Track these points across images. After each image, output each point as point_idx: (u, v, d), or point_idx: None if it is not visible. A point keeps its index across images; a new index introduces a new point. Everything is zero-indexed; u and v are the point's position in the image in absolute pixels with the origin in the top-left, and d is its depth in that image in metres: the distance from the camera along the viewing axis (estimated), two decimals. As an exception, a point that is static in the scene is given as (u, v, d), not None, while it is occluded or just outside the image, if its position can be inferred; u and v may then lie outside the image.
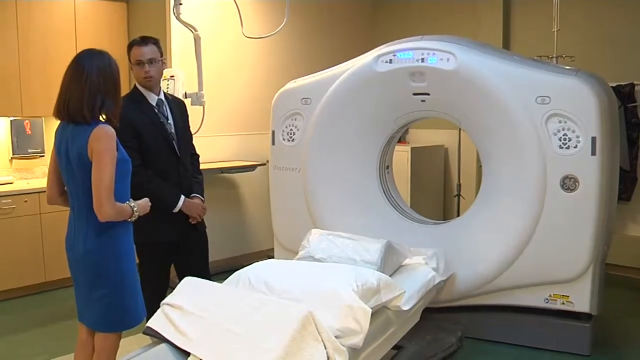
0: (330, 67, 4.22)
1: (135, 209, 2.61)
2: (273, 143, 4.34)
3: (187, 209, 3.36)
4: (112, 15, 5.38)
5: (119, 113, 2.61)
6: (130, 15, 5.47)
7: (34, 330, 4.31)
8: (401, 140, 6.20)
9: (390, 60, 3.89)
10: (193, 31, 4.43)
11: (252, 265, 2.99)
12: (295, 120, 4.24)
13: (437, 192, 6.41)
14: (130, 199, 2.63)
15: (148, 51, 3.28)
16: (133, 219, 2.62)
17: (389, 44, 4.01)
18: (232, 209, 5.59)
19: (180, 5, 4.37)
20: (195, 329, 2.43)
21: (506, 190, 3.74)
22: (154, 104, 3.33)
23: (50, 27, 5.08)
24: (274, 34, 4.51)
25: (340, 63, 4.19)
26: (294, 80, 4.33)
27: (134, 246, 2.72)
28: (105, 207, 2.46)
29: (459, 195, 6.03)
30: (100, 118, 2.55)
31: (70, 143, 2.55)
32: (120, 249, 2.63)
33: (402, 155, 5.73)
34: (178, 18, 4.39)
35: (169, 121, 3.35)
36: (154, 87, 3.34)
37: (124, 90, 2.78)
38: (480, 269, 3.79)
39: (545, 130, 3.58)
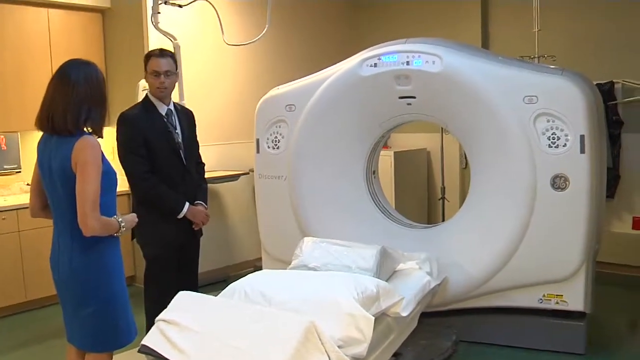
0: (315, 72, 4.17)
1: (122, 223, 2.54)
2: (258, 151, 4.28)
3: (192, 215, 3.50)
4: (87, 25, 5.30)
5: (104, 124, 2.57)
6: (106, 25, 5.40)
7: (18, 352, 4.18)
8: (384, 145, 6.18)
9: (375, 64, 3.86)
10: (172, 40, 4.40)
11: (246, 276, 2.94)
12: (280, 127, 4.19)
13: (421, 195, 6.40)
14: (118, 213, 2.56)
15: (165, 63, 3.44)
16: (120, 233, 2.56)
17: (373, 47, 3.98)
18: (217, 219, 5.49)
19: (159, 14, 4.34)
20: (193, 344, 2.37)
21: (496, 191, 3.72)
22: (164, 114, 3.46)
23: (24, 38, 4.97)
24: (255, 40, 4.47)
25: (325, 68, 4.13)
26: (277, 87, 4.28)
27: (122, 261, 2.65)
28: (90, 220, 2.39)
29: (443, 198, 6.02)
30: (86, 130, 2.50)
31: (53, 155, 2.49)
32: (108, 265, 2.56)
33: (385, 160, 5.70)
34: (157, 27, 4.38)
35: (176, 131, 3.48)
36: (165, 97, 3.48)
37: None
38: (472, 271, 3.76)
39: (534, 130, 3.58)
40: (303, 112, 4.08)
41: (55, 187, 2.51)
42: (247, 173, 5.38)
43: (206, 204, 3.63)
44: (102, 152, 2.47)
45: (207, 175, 4.58)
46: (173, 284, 3.44)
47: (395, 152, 5.97)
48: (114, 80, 5.27)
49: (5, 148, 5.08)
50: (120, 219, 2.54)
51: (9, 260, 4.74)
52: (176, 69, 3.55)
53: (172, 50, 4.12)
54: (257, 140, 4.28)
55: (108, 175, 2.51)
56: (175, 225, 3.50)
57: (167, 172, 3.45)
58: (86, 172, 2.39)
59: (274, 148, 4.22)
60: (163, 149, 3.43)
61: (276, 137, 4.21)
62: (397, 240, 3.93)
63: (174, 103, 3.59)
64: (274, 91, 4.27)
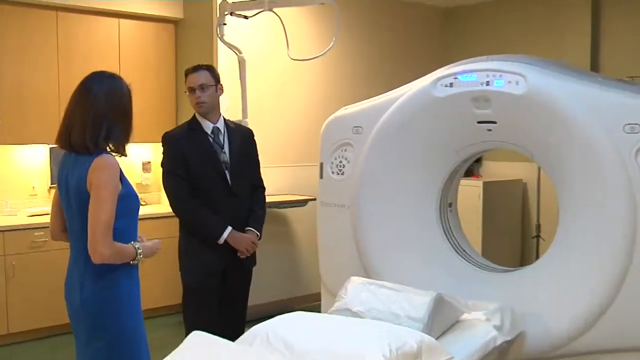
0: (389, 91, 3.93)
1: (139, 250, 2.44)
2: (321, 176, 4.11)
3: (234, 241, 3.38)
4: (158, 36, 5.26)
5: (127, 142, 2.49)
6: (178, 36, 5.36)
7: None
8: (472, 174, 5.85)
9: (451, 83, 3.56)
10: (237, 53, 4.30)
11: (273, 319, 2.70)
12: (346, 151, 4.00)
13: (514, 233, 5.93)
14: (136, 241, 2.47)
15: (199, 77, 3.40)
16: (137, 262, 2.46)
17: (450, 65, 3.69)
18: (283, 246, 5.39)
19: (224, 26, 4.24)
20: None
21: (588, 233, 3.29)
22: (209, 132, 3.41)
23: (93, 48, 4.96)
24: (321, 55, 4.23)
25: (402, 86, 3.87)
26: (345, 107, 4.08)
27: (139, 293, 2.53)
28: (100, 246, 2.30)
29: (538, 236, 5.60)
30: (108, 148, 2.44)
31: (70, 174, 2.44)
32: (121, 296, 2.45)
33: (472, 191, 5.34)
34: (222, 39, 4.26)
35: (223, 150, 3.42)
36: (208, 113, 3.42)
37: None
38: (555, 327, 3.33)
39: (636, 165, 3.13)
40: (370, 135, 3.85)
41: (71, 208, 2.45)
42: (316, 199, 5.16)
43: (259, 232, 3.51)
44: (121, 173, 2.41)
45: (273, 199, 4.64)
46: (214, 316, 3.39)
47: (485, 183, 5.56)
48: (183, 94, 5.08)
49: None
50: (137, 246, 2.44)
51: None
52: (216, 82, 3.46)
53: (239, 63, 4.14)
54: (321, 165, 4.11)
55: (127, 199, 2.44)
56: (217, 252, 3.39)
57: (209, 194, 3.38)
58: (100, 194, 2.32)
59: (338, 173, 4.03)
60: (205, 169, 3.37)
61: (341, 161, 4.03)
62: (470, 284, 3.63)
63: (225, 120, 3.51)
64: (342, 111, 4.09)
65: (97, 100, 2.39)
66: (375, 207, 3.87)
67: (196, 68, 3.44)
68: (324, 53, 4.14)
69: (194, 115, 3.48)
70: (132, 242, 2.44)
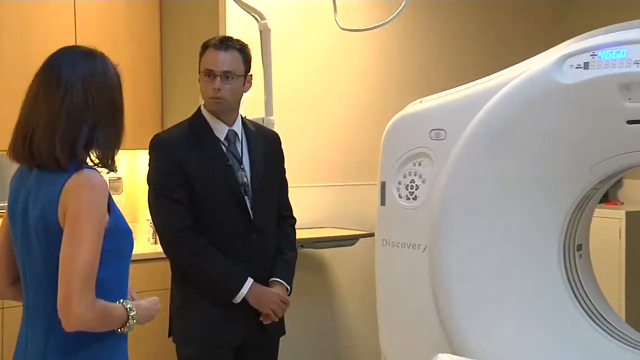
0: (479, 78, 3.72)
1: (132, 313, 2.29)
2: (382, 202, 3.87)
3: (256, 299, 3.27)
4: (133, 9, 5.07)
5: (116, 151, 2.37)
6: (163, 4, 5.17)
7: None
8: (608, 200, 5.49)
9: (586, 63, 3.33)
10: (259, 19, 4.09)
11: None
12: (420, 165, 3.77)
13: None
14: (127, 299, 2.34)
15: (226, 59, 3.23)
16: (127, 330, 2.31)
17: (581, 36, 3.49)
18: (320, 304, 5.18)
19: None
20: None
21: None
22: (222, 138, 3.30)
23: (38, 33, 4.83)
24: (385, 23, 3.88)
25: (497, 71, 3.67)
26: (419, 100, 3.83)
27: None
28: (77, 305, 2.14)
29: None
30: (89, 159, 2.32)
31: (32, 198, 2.31)
32: None
33: (610, 225, 5.01)
34: (237, 0, 4.06)
35: (242, 165, 3.33)
36: (226, 113, 3.31)
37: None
38: None
39: None
40: (459, 143, 3.62)
41: (30, 249, 2.31)
42: (372, 234, 4.88)
43: (289, 284, 3.42)
44: (109, 197, 2.30)
45: (306, 234, 4.69)
46: None
47: (628, 213, 5.16)
48: (173, 81, 5.10)
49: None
50: (129, 306, 2.30)
51: None
52: (246, 71, 3.31)
53: (260, 34, 4.02)
54: (382, 185, 3.88)
55: (117, 235, 2.31)
56: (230, 314, 3.26)
57: (220, 229, 3.25)
58: (79, 227, 2.19)
59: (408, 198, 3.81)
60: (216, 193, 3.23)
61: (413, 180, 3.80)
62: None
63: (243, 120, 3.40)
64: (414, 107, 3.86)
65: (71, 90, 2.27)
66: (465, 249, 3.64)
67: (225, 43, 3.26)
68: (390, 20, 3.82)
69: (199, 111, 3.32)
70: (122, 301, 2.30)
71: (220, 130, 3.31)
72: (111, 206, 2.31)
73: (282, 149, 3.58)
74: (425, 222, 3.69)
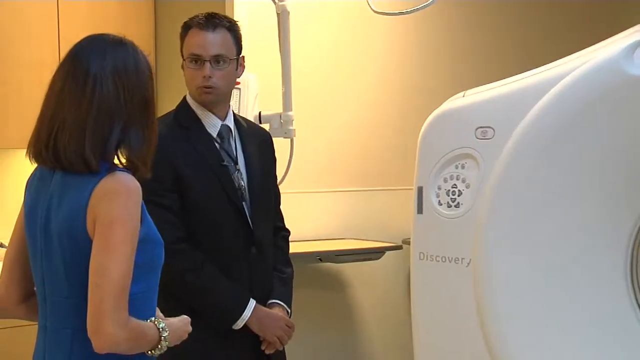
0: (531, 69, 3.74)
1: (165, 334, 2.31)
2: (419, 210, 3.82)
3: (259, 324, 3.21)
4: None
5: (152, 152, 2.40)
6: None
7: None
8: None
9: None
10: (276, 2, 4.05)
11: None
12: (464, 168, 3.73)
13: None
14: (158, 317, 2.36)
15: (216, 41, 3.15)
16: (157, 353, 2.34)
17: None
18: (339, 326, 5.14)
19: None
20: None
21: None
22: (215, 134, 3.23)
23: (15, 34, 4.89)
24: (424, 7, 3.87)
25: (552, 61, 3.67)
26: (462, 93, 3.81)
27: None
28: (109, 324, 2.16)
29: None
30: (116, 161, 2.34)
31: (54, 204, 2.32)
32: None
33: None
34: None
35: (237, 166, 3.26)
36: (219, 104, 3.23)
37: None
38: None
39: None
40: (509, 142, 3.60)
41: (52, 261, 2.31)
42: (400, 247, 4.94)
43: (290, 306, 3.37)
44: (143, 205, 2.32)
45: (324, 246, 4.81)
46: None
47: None
48: (167, 70, 5.09)
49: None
50: (162, 325, 2.32)
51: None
52: (238, 53, 3.21)
53: (278, 17, 4.00)
54: (419, 190, 3.83)
55: (148, 245, 2.33)
56: (226, 342, 3.21)
57: (219, 242, 3.19)
58: (112, 237, 2.21)
59: (450, 205, 3.77)
60: (211, 199, 3.16)
61: (455, 185, 3.76)
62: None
63: (234, 115, 3.33)
64: (455, 101, 3.82)
65: (100, 85, 2.28)
66: (517, 264, 3.62)
67: (211, 22, 3.15)
68: (432, 2, 3.81)
69: (185, 101, 3.22)
70: (153, 319, 2.32)
71: (213, 125, 3.23)
72: (143, 214, 2.31)
73: (274, 150, 3.54)
74: (470, 233, 3.66)
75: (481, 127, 3.66)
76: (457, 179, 3.74)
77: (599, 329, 3.62)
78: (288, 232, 3.56)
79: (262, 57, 4.35)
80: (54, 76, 2.36)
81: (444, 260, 3.77)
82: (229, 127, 3.27)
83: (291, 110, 4.17)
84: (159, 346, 2.33)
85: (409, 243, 4.14)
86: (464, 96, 3.80)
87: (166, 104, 4.96)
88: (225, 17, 3.25)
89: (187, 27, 3.21)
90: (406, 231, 4.24)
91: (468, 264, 3.68)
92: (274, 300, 3.31)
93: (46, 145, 2.30)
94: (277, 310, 3.29)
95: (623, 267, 3.66)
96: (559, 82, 3.53)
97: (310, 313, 5.03)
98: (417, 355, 3.93)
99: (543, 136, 3.53)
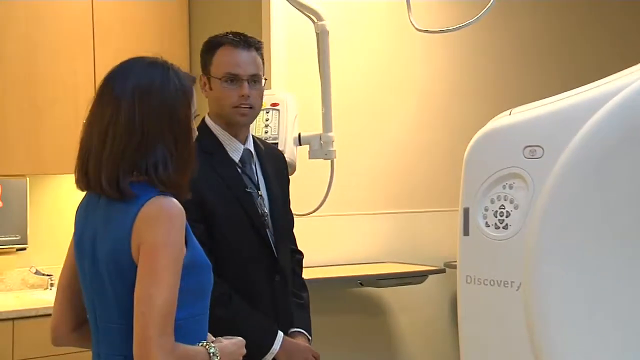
0: (582, 85, 3.65)
1: (216, 359, 2.32)
2: (466, 232, 3.75)
3: (288, 356, 3.20)
4: (158, 8, 5.18)
5: (187, 176, 2.37)
6: (193, 5, 5.24)
7: None
8: None
9: None
10: (315, 21, 4.04)
11: None
12: (512, 188, 3.65)
13: None
14: (208, 340, 2.37)
15: (252, 60, 3.11)
16: None
17: None
18: (379, 353, 5.14)
19: None
20: None
21: None
22: (237, 159, 3.19)
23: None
24: (470, 24, 3.82)
25: (606, 76, 3.57)
26: (508, 112, 3.75)
27: None
28: (155, 351, 2.17)
29: None
30: (155, 183, 2.31)
31: (100, 230, 2.34)
32: None
33: None
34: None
35: (259, 192, 3.23)
36: (243, 127, 3.21)
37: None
38: None
39: None
40: (559, 161, 3.52)
41: (102, 288, 2.34)
42: (443, 270, 4.89)
43: (310, 333, 3.36)
44: (187, 227, 2.31)
45: (364, 270, 4.84)
46: None
47: None
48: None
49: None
50: (212, 350, 2.32)
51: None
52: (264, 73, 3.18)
53: (317, 37, 4.00)
54: (465, 212, 3.75)
55: (195, 270, 2.33)
56: None
57: (244, 272, 3.16)
58: (156, 263, 2.22)
59: (497, 227, 3.68)
60: (236, 228, 3.12)
61: (503, 205, 3.67)
62: None
63: (253, 138, 3.30)
64: (500, 120, 3.75)
65: (118, 107, 2.28)
66: (569, 287, 3.54)
67: (246, 41, 3.11)
68: (477, 19, 3.74)
69: (205, 125, 3.13)
70: (204, 343, 2.32)
71: (236, 150, 3.19)
72: (188, 238, 2.29)
73: (287, 170, 3.51)
74: (519, 255, 3.56)
75: (529, 146, 3.60)
76: (505, 200, 3.68)
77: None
78: (302, 254, 3.53)
79: (302, 77, 4.42)
80: (92, 103, 2.37)
81: (492, 283, 3.71)
82: (250, 151, 3.25)
83: (331, 131, 4.18)
84: None
85: (451, 266, 4.13)
86: (510, 114, 3.74)
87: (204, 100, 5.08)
88: (253, 38, 3.25)
89: (216, 45, 3.15)
90: (448, 254, 4.30)
91: (518, 287, 3.61)
92: (296, 329, 3.31)
93: (80, 172, 2.34)
94: (300, 339, 3.28)
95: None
96: (611, 99, 3.47)
97: (350, 339, 5.05)
98: (465, 383, 3.81)
99: (595, 154, 3.47)
